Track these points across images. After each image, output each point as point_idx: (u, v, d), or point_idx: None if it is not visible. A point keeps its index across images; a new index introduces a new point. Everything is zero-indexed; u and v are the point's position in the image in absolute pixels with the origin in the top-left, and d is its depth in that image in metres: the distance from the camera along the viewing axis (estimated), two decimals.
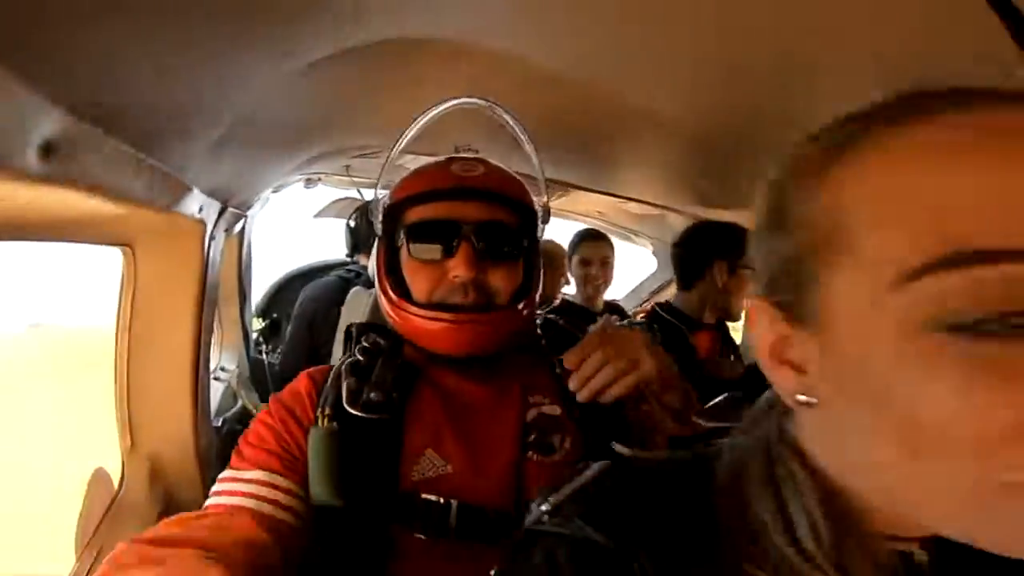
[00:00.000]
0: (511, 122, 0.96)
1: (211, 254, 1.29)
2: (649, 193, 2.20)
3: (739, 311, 1.71)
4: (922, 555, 0.37)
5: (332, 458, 0.74)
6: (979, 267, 0.26)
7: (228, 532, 0.65)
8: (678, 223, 2.37)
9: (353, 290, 1.72)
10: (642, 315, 2.13)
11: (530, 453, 0.79)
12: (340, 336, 1.47)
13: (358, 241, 2.25)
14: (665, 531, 0.37)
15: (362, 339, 0.89)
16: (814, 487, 0.36)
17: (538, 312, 1.05)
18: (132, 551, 0.61)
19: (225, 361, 2.02)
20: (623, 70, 1.07)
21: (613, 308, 2.48)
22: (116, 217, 0.94)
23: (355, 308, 1.64)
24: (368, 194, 2.39)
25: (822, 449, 0.37)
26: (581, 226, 2.56)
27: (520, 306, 0.86)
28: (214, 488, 0.75)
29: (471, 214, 0.82)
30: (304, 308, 2.03)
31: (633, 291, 3.26)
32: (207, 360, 1.36)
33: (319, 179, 2.48)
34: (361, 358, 0.85)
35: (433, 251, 0.82)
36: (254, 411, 1.77)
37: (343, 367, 0.84)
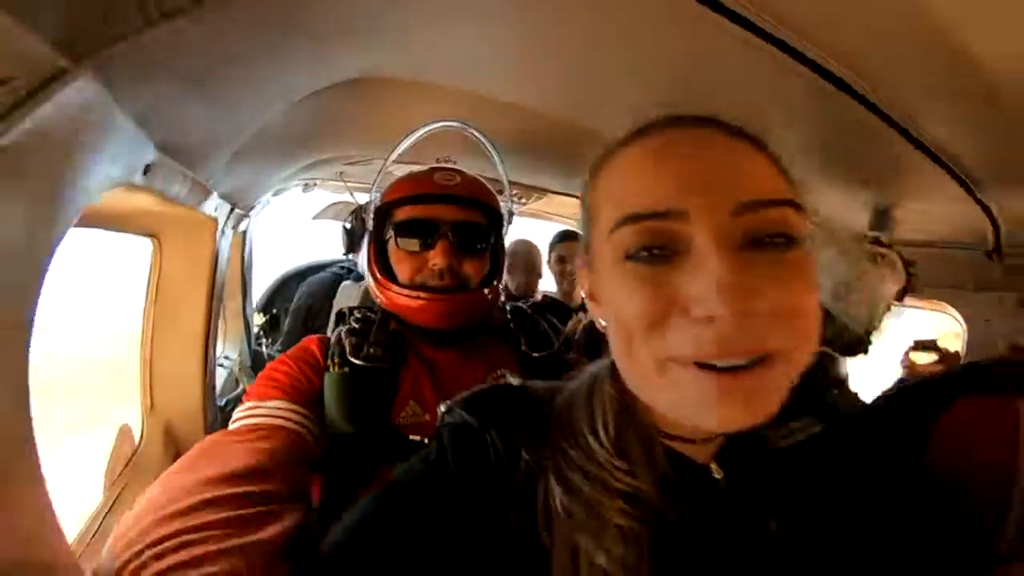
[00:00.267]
0: (483, 140, 1.23)
1: (221, 248, 1.57)
2: None
3: None
4: (718, 471, 0.55)
5: (346, 395, 0.94)
6: (632, 224, 0.46)
7: (278, 448, 0.78)
8: None
9: (343, 283, 2.00)
10: None
11: None
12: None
13: (353, 240, 2.51)
14: (515, 422, 0.57)
15: (354, 313, 1.11)
16: (614, 398, 0.54)
17: (519, 304, 1.32)
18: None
19: (228, 350, 2.29)
20: (571, 95, 1.35)
21: None
22: (152, 213, 1.23)
23: (346, 298, 1.92)
24: (361, 197, 2.66)
25: (619, 370, 0.53)
26: (560, 227, 2.83)
27: (486, 290, 1.11)
28: (238, 415, 0.87)
29: (448, 215, 1.05)
30: (301, 302, 2.30)
31: None
32: (216, 340, 1.64)
33: (316, 184, 2.76)
34: (356, 326, 1.06)
35: (416, 244, 1.05)
36: None
37: (342, 332, 1.04)
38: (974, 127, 1.17)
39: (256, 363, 2.50)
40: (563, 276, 2.52)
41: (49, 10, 0.40)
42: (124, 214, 1.19)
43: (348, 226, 2.70)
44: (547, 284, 2.72)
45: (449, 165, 1.15)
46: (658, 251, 0.45)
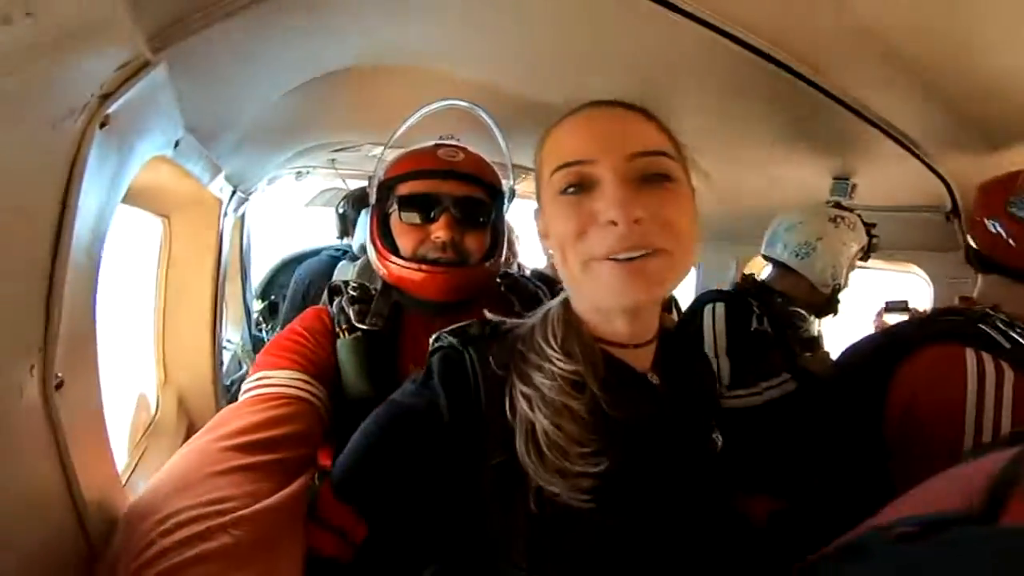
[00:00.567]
0: (488, 120, 1.26)
1: (225, 228, 1.74)
2: None
3: None
4: (654, 377, 0.75)
5: (362, 358, 1.00)
6: (562, 169, 0.66)
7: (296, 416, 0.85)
8: None
9: (340, 263, 2.17)
10: None
11: None
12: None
13: (346, 225, 2.67)
14: (488, 342, 0.73)
15: (349, 284, 1.16)
16: (561, 315, 0.73)
17: (507, 270, 1.38)
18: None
19: (230, 334, 2.47)
20: (548, 78, 1.54)
21: None
22: (164, 193, 1.41)
23: (342, 276, 2.10)
24: (352, 184, 2.83)
25: (564, 283, 0.74)
26: None
27: (488, 264, 1.15)
28: (248, 385, 0.92)
29: (451, 190, 1.09)
30: (298, 284, 2.46)
31: None
32: (222, 316, 1.81)
33: (308, 172, 2.92)
34: (355, 294, 1.11)
35: (419, 217, 1.08)
36: None
37: (342, 302, 1.09)
38: (919, 103, 1.36)
39: (256, 348, 2.67)
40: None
41: (147, 9, 0.57)
42: (141, 191, 1.36)
43: (341, 211, 2.89)
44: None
45: (452, 142, 1.18)
46: (579, 187, 0.66)
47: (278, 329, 2.63)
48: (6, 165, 0.45)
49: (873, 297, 2.06)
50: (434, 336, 0.79)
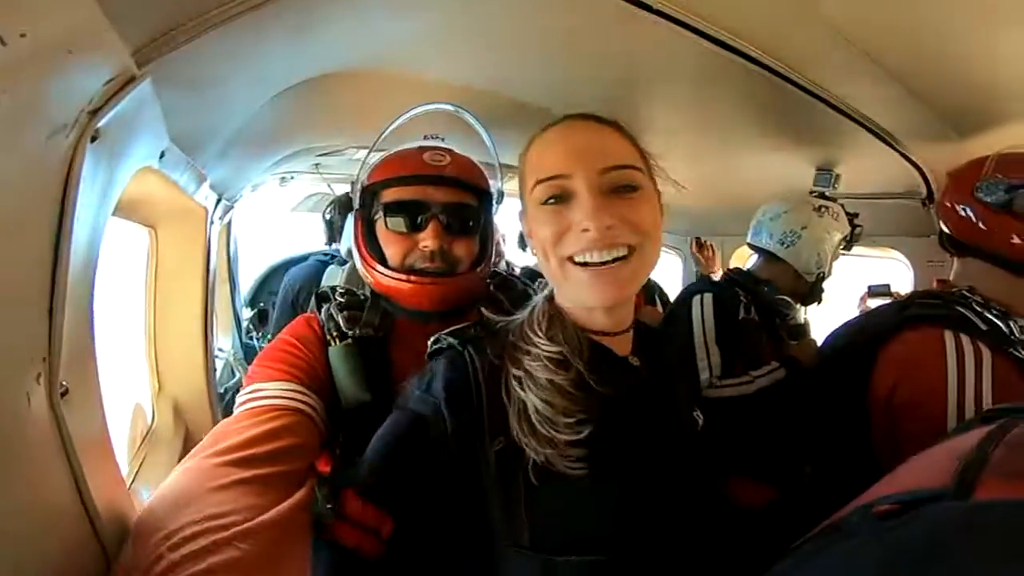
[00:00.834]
0: (474, 122, 1.24)
1: (211, 235, 1.75)
2: None
3: None
4: (635, 360, 0.84)
5: (355, 364, 0.99)
6: (542, 183, 0.75)
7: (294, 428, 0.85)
8: None
9: (329, 268, 2.18)
10: None
11: None
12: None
13: (333, 230, 2.68)
14: (486, 339, 0.81)
15: (337, 290, 1.14)
16: (545, 308, 0.81)
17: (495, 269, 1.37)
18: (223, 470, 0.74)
19: (221, 343, 2.47)
20: (528, 78, 1.57)
21: None
22: (150, 203, 1.42)
23: (331, 281, 2.11)
24: (337, 188, 2.83)
25: (549, 282, 0.84)
26: None
27: (478, 271, 1.13)
28: (242, 398, 0.92)
29: (439, 197, 1.06)
30: (287, 291, 2.46)
31: None
32: (213, 324, 1.82)
33: (292, 177, 2.93)
34: (343, 300, 1.09)
35: (406, 225, 1.06)
36: None
37: (331, 309, 1.07)
38: (894, 97, 1.40)
39: (247, 355, 2.67)
40: None
41: (131, 24, 0.59)
42: (128, 202, 1.37)
43: (328, 217, 2.89)
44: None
45: (437, 144, 1.16)
46: (558, 198, 0.75)
47: (269, 336, 2.65)
48: (6, 180, 0.46)
49: (857, 282, 2.11)
50: (433, 338, 0.85)
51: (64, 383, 0.57)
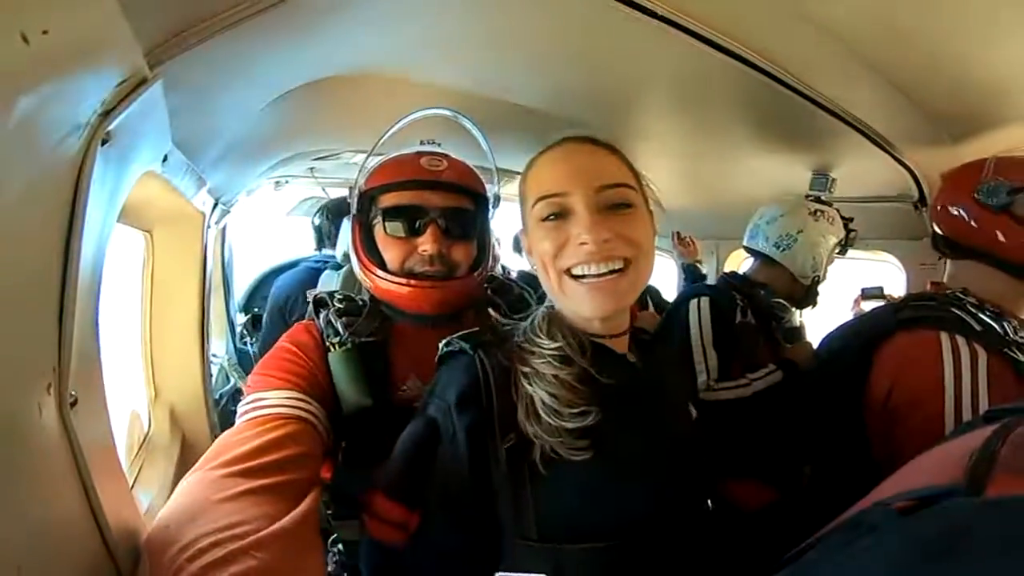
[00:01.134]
0: (472, 128, 1.25)
1: (207, 240, 1.73)
2: None
3: None
4: (632, 357, 0.90)
5: (355, 370, 1.01)
6: (542, 200, 0.81)
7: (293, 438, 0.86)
8: None
9: (324, 273, 2.16)
10: None
11: None
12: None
13: (322, 236, 2.66)
14: (491, 344, 0.85)
15: (335, 296, 1.14)
16: (546, 313, 0.86)
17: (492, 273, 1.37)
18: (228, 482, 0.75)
19: (215, 348, 2.44)
20: (524, 83, 1.58)
21: None
22: (147, 207, 1.39)
23: (327, 287, 2.08)
24: (332, 192, 2.82)
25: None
26: None
27: (476, 274, 1.14)
28: (243, 408, 0.92)
29: (437, 201, 1.07)
30: (276, 296, 2.42)
31: None
32: (209, 329, 1.79)
33: (287, 181, 2.91)
34: (341, 306, 1.10)
35: (405, 230, 1.07)
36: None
37: (330, 315, 1.08)
38: (888, 101, 1.42)
39: (242, 361, 2.64)
40: None
41: (144, 25, 0.58)
42: (126, 206, 1.35)
43: (316, 222, 2.87)
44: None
45: (435, 148, 1.17)
46: (557, 215, 0.80)
47: (260, 342, 2.62)
48: (17, 183, 0.45)
49: (851, 285, 2.13)
50: (444, 341, 0.88)
51: (73, 392, 0.56)
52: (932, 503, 0.48)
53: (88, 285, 0.62)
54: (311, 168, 2.74)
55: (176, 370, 1.69)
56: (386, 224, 1.08)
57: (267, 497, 0.73)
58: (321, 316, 1.09)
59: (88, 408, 0.62)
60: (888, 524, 0.49)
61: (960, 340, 1.05)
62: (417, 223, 1.07)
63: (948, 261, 1.26)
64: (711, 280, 2.78)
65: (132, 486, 1.41)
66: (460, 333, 0.88)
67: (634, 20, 1.09)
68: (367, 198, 1.13)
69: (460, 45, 1.37)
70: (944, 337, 1.06)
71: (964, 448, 0.56)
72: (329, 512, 1.10)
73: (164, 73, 0.73)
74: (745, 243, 1.93)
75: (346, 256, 2.11)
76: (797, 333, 2.03)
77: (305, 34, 1.12)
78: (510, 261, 2.86)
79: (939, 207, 1.24)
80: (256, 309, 2.84)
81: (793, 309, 1.94)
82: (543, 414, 0.76)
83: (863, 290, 2.07)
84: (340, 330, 1.04)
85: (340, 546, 1.11)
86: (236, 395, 2.25)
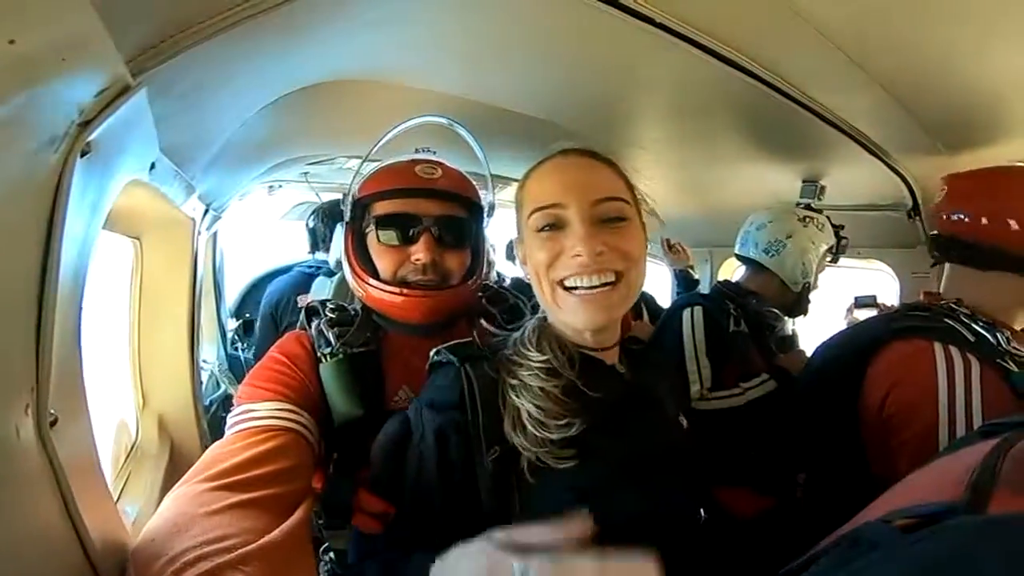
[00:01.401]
0: (467, 136, 1.24)
1: (197, 246, 1.71)
2: None
3: None
4: (621, 368, 0.91)
5: (347, 381, 0.99)
6: (539, 211, 0.81)
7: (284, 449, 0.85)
8: None
9: (317, 279, 2.14)
10: None
11: None
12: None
13: (316, 239, 2.64)
14: (479, 356, 0.85)
15: (327, 305, 1.13)
16: (537, 325, 0.87)
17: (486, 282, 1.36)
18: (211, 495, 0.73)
19: (205, 354, 2.41)
20: (517, 88, 1.57)
21: None
22: (135, 214, 1.37)
23: (320, 293, 2.07)
24: (326, 197, 2.80)
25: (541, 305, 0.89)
26: None
27: (470, 283, 1.12)
28: (233, 420, 0.90)
29: (431, 210, 1.06)
30: (268, 301, 2.42)
31: None
32: (200, 337, 1.77)
33: (280, 186, 2.89)
34: (333, 316, 1.09)
35: (398, 238, 1.06)
36: None
37: (321, 325, 1.07)
38: (882, 109, 1.42)
39: (233, 367, 2.62)
40: None
41: (126, 32, 0.56)
42: (113, 214, 1.32)
43: (311, 225, 2.86)
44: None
45: (429, 156, 1.16)
46: (552, 226, 0.81)
47: (254, 348, 2.60)
48: None
49: (843, 293, 2.13)
50: (435, 350, 0.88)
51: (53, 411, 0.54)
52: (933, 521, 0.47)
53: (69, 298, 0.60)
54: (305, 173, 2.72)
55: (165, 377, 1.66)
56: (379, 232, 1.07)
57: (255, 511, 0.72)
58: (313, 326, 1.08)
59: (69, 425, 0.60)
60: (889, 543, 0.48)
61: (954, 350, 1.05)
62: (411, 231, 1.06)
63: (946, 269, 1.26)
64: (705, 287, 2.78)
65: (120, 496, 1.39)
66: (448, 344, 0.88)
67: (629, 26, 1.08)
68: (360, 206, 1.12)
69: (455, 51, 1.36)
70: (938, 347, 1.06)
71: (964, 464, 0.55)
72: (321, 522, 1.09)
73: (150, 80, 0.71)
74: (736, 251, 1.93)
75: (339, 262, 2.10)
76: (790, 341, 2.03)
77: (299, 39, 1.10)
78: (504, 269, 2.85)
79: (956, 211, 1.21)
80: (248, 315, 2.84)
81: (786, 317, 1.94)
82: (528, 425, 0.76)
83: (856, 299, 2.07)
84: (331, 340, 1.03)
85: (332, 555, 1.10)
86: (227, 401, 2.23)
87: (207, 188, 1.60)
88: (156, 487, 1.45)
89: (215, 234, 2.44)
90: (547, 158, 0.87)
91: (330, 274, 2.21)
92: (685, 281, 2.79)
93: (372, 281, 1.07)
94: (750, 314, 1.78)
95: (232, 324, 2.81)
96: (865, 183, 1.92)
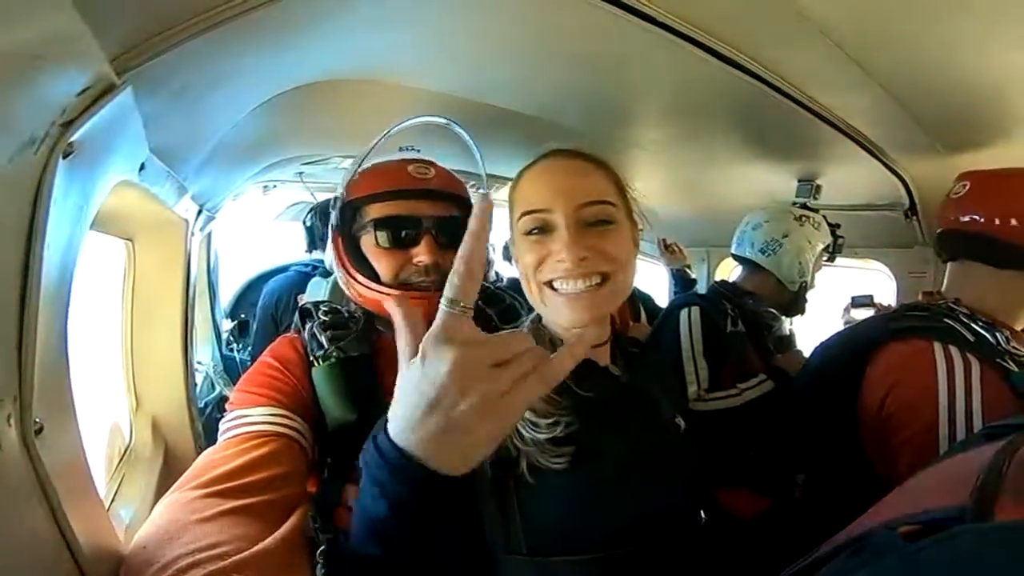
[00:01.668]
0: (464, 136, 1.19)
1: (190, 247, 1.69)
2: None
3: None
4: (615, 369, 0.92)
5: (341, 382, 0.97)
6: (527, 215, 0.84)
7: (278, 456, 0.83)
8: None
9: (313, 279, 2.12)
10: None
11: None
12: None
13: (314, 238, 2.62)
14: None
15: (320, 308, 1.12)
16: (530, 329, 0.88)
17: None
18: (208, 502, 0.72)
19: (200, 355, 2.39)
20: (510, 87, 1.55)
21: None
22: (127, 215, 1.35)
23: (316, 294, 2.05)
24: (320, 197, 2.77)
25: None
26: None
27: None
28: (225, 426, 0.89)
29: (430, 211, 1.06)
30: (266, 300, 2.41)
31: None
32: (194, 338, 1.75)
33: (275, 186, 2.86)
34: (326, 319, 1.07)
35: (400, 240, 1.05)
36: None
37: (314, 328, 1.05)
38: (880, 109, 1.40)
39: (228, 367, 2.60)
40: None
41: (110, 30, 0.54)
42: (103, 216, 1.30)
43: (308, 224, 2.84)
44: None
45: (416, 155, 1.15)
46: (540, 230, 0.82)
47: (250, 348, 2.59)
48: None
49: (841, 293, 2.13)
50: None
51: (38, 420, 0.52)
52: (938, 528, 0.46)
53: (53, 303, 0.59)
54: (300, 172, 2.70)
55: (159, 379, 1.64)
56: (378, 235, 1.06)
57: (248, 517, 0.71)
58: (306, 328, 1.06)
59: (56, 433, 0.58)
60: (892, 552, 0.47)
61: (953, 350, 1.05)
62: (411, 233, 1.06)
63: (951, 267, 1.25)
64: (702, 287, 2.78)
65: (113, 499, 1.37)
66: None
67: (627, 24, 1.06)
68: (351, 209, 1.10)
69: (452, 50, 1.34)
70: (938, 347, 1.06)
71: (968, 467, 0.55)
72: (316, 526, 1.08)
73: (137, 79, 0.69)
74: (733, 251, 1.92)
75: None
76: (788, 342, 2.02)
77: (293, 37, 1.08)
78: (502, 269, 2.83)
79: (990, 209, 1.18)
80: (243, 315, 2.82)
81: (783, 317, 1.93)
82: (519, 426, 0.75)
83: (853, 298, 2.07)
84: (324, 344, 1.02)
85: None
86: (221, 403, 2.21)
87: (200, 189, 1.57)
88: (150, 490, 1.43)
89: (209, 235, 2.42)
90: (537, 160, 0.89)
91: (326, 274, 2.19)
92: (682, 281, 2.78)
93: (372, 285, 1.06)
94: (747, 314, 1.77)
95: (227, 325, 2.79)
96: (863, 183, 1.91)
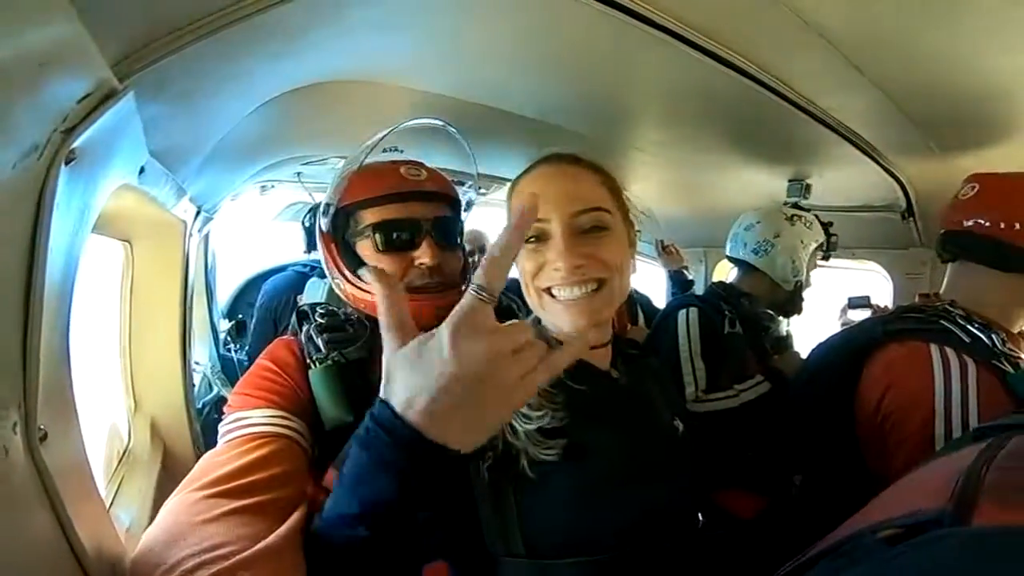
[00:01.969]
0: (459, 137, 1.22)
1: (189, 248, 1.69)
2: None
3: None
4: (615, 373, 0.93)
5: (338, 384, 0.97)
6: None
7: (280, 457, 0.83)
8: None
9: (310, 280, 2.12)
10: None
11: None
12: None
13: (313, 239, 2.61)
14: None
15: (317, 310, 1.11)
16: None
17: None
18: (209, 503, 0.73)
19: (198, 356, 2.38)
20: (506, 88, 1.55)
21: None
22: (126, 217, 1.35)
23: (313, 295, 2.05)
24: (318, 197, 2.77)
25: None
26: None
27: (464, 284, 1.10)
28: (225, 428, 0.89)
29: (427, 212, 1.06)
30: (265, 300, 2.41)
31: None
32: (192, 339, 1.75)
33: (272, 186, 2.86)
34: (323, 321, 1.07)
35: (401, 244, 1.04)
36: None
37: (311, 330, 1.05)
38: (875, 110, 1.41)
39: (225, 368, 2.60)
40: None
41: (111, 36, 0.54)
42: (102, 218, 1.30)
43: (307, 224, 2.83)
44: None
45: (400, 156, 1.15)
46: (537, 239, 0.84)
47: (247, 348, 2.58)
48: None
49: (837, 294, 2.14)
50: None
51: (42, 427, 0.52)
52: (918, 532, 0.47)
53: (56, 309, 0.59)
54: (298, 173, 2.69)
55: (157, 380, 1.64)
56: (377, 239, 1.05)
57: (251, 517, 0.71)
58: (302, 331, 1.06)
59: (59, 439, 0.58)
60: (871, 558, 0.48)
61: (950, 351, 1.06)
62: (411, 236, 1.05)
63: (951, 268, 1.25)
64: (699, 288, 2.79)
65: (112, 501, 1.37)
66: None
67: (625, 26, 1.06)
68: (343, 213, 1.09)
69: (450, 51, 1.35)
70: (934, 348, 1.07)
71: (952, 468, 0.55)
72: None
73: (138, 84, 0.69)
74: (727, 252, 1.93)
75: None
76: (784, 342, 2.03)
77: (291, 40, 1.09)
78: None
79: (1000, 212, 1.17)
80: (240, 315, 2.81)
81: (780, 318, 1.94)
82: (512, 419, 0.77)
83: (849, 299, 2.08)
84: (321, 347, 1.02)
85: None
86: (219, 404, 2.21)
87: (198, 190, 1.57)
88: (149, 491, 1.43)
89: (207, 235, 2.41)
90: (533, 165, 0.90)
91: (324, 275, 2.19)
92: (680, 282, 2.79)
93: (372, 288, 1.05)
94: (745, 315, 1.77)
95: (224, 325, 2.78)
96: (860, 184, 1.92)
